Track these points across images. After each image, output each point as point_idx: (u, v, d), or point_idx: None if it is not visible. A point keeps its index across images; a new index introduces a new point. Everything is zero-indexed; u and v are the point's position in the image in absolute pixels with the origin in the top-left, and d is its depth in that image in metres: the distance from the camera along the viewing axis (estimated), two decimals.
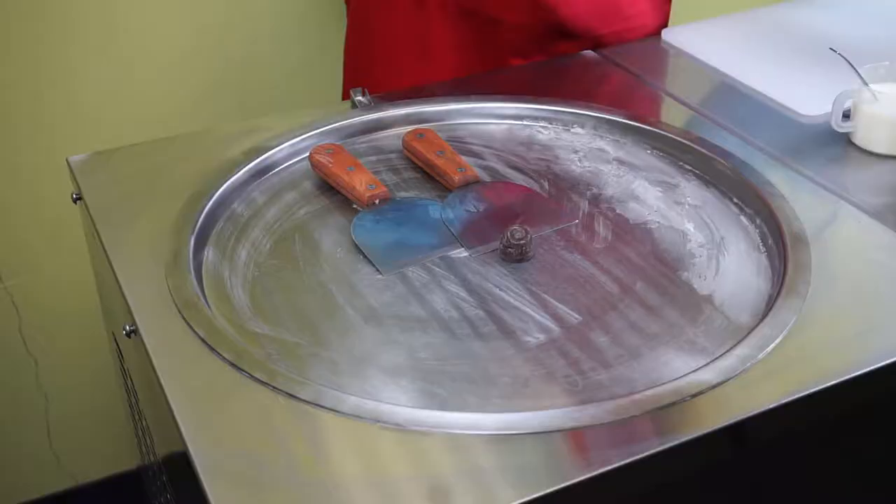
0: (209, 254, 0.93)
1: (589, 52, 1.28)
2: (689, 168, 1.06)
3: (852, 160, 1.07)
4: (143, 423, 1.03)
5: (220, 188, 0.99)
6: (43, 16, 1.43)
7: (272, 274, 0.91)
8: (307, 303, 0.87)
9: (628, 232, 0.96)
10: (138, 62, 1.48)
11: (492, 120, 1.14)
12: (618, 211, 0.99)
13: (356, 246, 0.94)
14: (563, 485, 0.67)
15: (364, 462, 0.70)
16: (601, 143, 1.11)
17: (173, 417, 0.73)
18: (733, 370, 0.76)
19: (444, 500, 0.66)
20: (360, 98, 1.14)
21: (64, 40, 1.45)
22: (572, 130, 1.12)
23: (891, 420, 0.86)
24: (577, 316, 0.85)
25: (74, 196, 1.04)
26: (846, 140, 1.10)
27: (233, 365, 0.77)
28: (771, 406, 0.74)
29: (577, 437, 0.71)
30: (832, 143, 1.10)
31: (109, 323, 1.12)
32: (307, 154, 1.06)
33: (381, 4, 1.24)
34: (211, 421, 0.74)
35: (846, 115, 1.08)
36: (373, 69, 1.36)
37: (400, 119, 1.13)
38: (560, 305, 0.86)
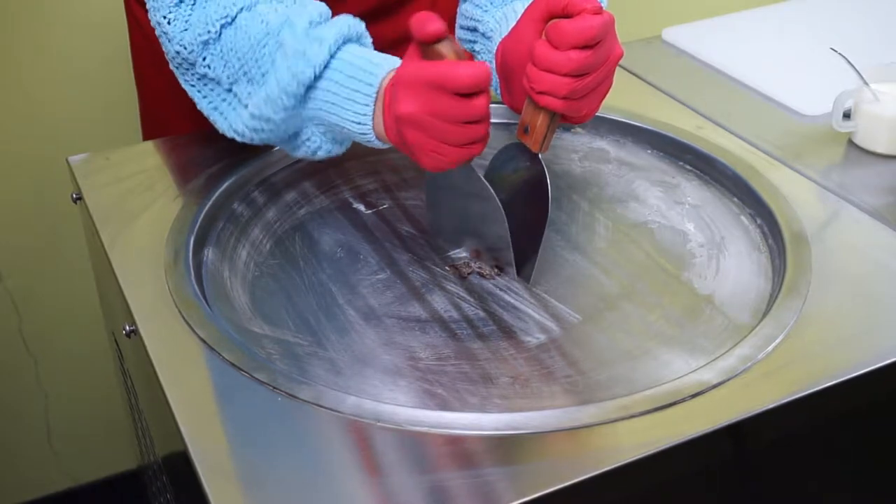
0: (209, 254, 0.93)
1: None
2: (689, 168, 1.06)
3: (853, 160, 1.07)
4: (143, 423, 1.03)
5: (220, 188, 0.99)
6: (44, 13, 1.43)
7: (272, 274, 0.91)
8: (307, 303, 0.87)
9: (628, 232, 0.96)
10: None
11: (491, 120, 1.13)
12: (618, 211, 0.99)
13: (356, 246, 0.94)
14: (563, 485, 0.67)
15: (364, 462, 0.70)
16: (601, 143, 1.11)
17: (173, 417, 0.73)
18: (733, 370, 0.76)
19: (444, 501, 0.66)
20: None
21: (67, 39, 1.45)
22: (572, 130, 1.12)
23: (891, 420, 0.86)
24: (577, 316, 0.85)
25: (74, 196, 1.04)
26: (847, 140, 1.10)
27: (233, 365, 0.77)
28: (771, 406, 0.74)
29: (577, 437, 0.71)
30: (832, 143, 1.10)
31: (109, 323, 1.12)
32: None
33: None
34: (211, 421, 0.74)
35: (847, 115, 1.08)
36: None
37: None
38: (560, 305, 0.86)
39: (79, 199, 1.03)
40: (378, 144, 0.86)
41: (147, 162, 1.07)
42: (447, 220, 0.94)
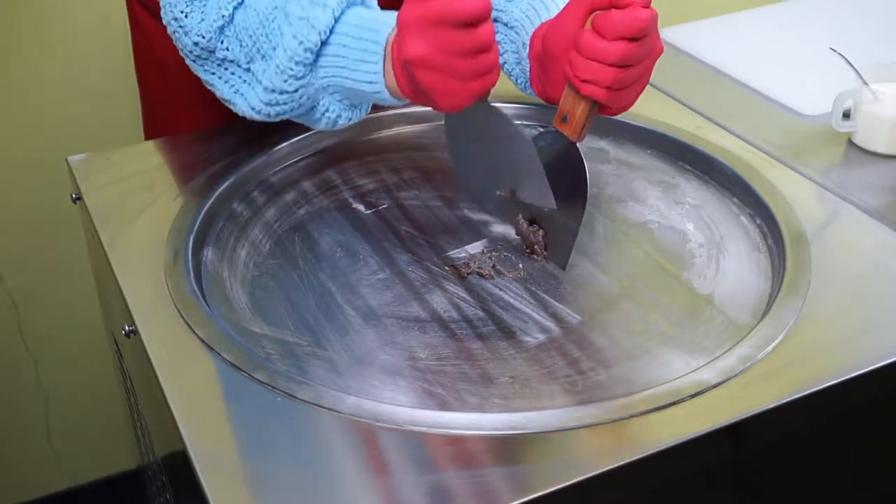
0: (209, 254, 0.93)
1: None
2: (689, 168, 1.06)
3: (852, 160, 1.07)
4: (143, 423, 1.03)
5: (219, 188, 0.99)
6: (45, 14, 1.43)
7: (272, 274, 0.91)
8: (307, 303, 0.87)
9: (628, 232, 0.96)
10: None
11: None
12: (618, 211, 0.99)
13: (356, 246, 0.94)
14: (563, 485, 0.67)
15: (364, 462, 0.70)
16: (601, 143, 1.11)
17: (173, 417, 0.73)
18: (733, 370, 0.76)
19: (443, 501, 0.66)
20: None
21: (66, 40, 1.45)
22: None
23: (891, 420, 0.86)
24: (577, 316, 0.85)
25: (74, 196, 1.04)
26: (846, 140, 1.10)
27: (233, 365, 0.77)
28: (771, 406, 0.74)
29: (577, 437, 0.71)
30: (832, 142, 1.10)
31: (109, 323, 1.12)
32: (307, 154, 1.07)
33: None
34: (211, 421, 0.73)
35: (846, 115, 1.08)
36: None
37: (400, 118, 1.13)
38: (560, 305, 0.86)
39: (78, 199, 1.03)
40: (392, 101, 0.87)
41: (146, 162, 1.07)
42: (475, 171, 0.94)
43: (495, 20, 1.02)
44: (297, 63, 0.86)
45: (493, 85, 0.82)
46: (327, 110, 0.91)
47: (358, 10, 0.86)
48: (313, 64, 0.87)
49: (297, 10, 0.86)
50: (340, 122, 0.92)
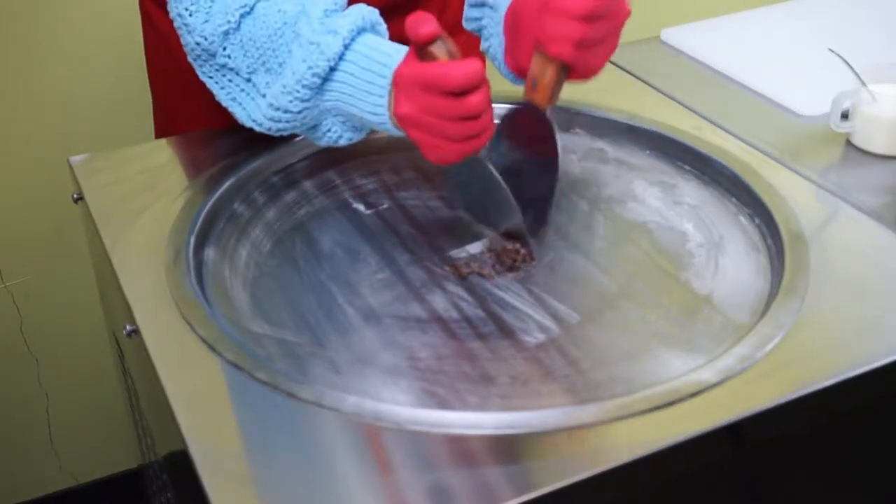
0: (209, 254, 0.93)
1: None
2: (688, 168, 1.06)
3: (851, 160, 1.08)
4: (144, 422, 1.03)
5: (220, 188, 0.99)
6: (43, 15, 1.43)
7: (272, 274, 0.91)
8: (307, 303, 0.87)
9: (627, 232, 0.96)
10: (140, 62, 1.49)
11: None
12: (617, 211, 1.00)
13: (356, 246, 0.94)
14: (562, 484, 0.67)
15: (364, 462, 0.70)
16: (600, 144, 1.11)
17: (173, 417, 0.73)
18: (732, 370, 0.77)
19: (444, 500, 0.67)
20: None
21: (66, 40, 1.45)
22: (571, 131, 1.12)
23: (890, 420, 0.86)
24: (576, 316, 0.85)
25: (75, 196, 1.04)
26: (845, 140, 1.10)
27: (233, 365, 0.77)
28: (769, 406, 0.74)
29: (576, 436, 0.71)
30: (831, 143, 1.10)
31: (110, 323, 1.12)
32: (307, 154, 1.07)
33: None
34: (211, 421, 0.74)
35: (845, 116, 1.08)
36: None
37: None
38: (560, 305, 0.86)
39: (79, 199, 1.03)
40: (396, 132, 0.87)
41: (147, 162, 1.07)
42: (469, 202, 0.97)
43: (482, 4, 1.03)
44: (303, 86, 0.87)
45: (482, 146, 0.83)
46: (329, 130, 0.92)
47: (368, 39, 0.86)
48: (319, 88, 0.87)
49: (309, 34, 0.86)
50: (342, 141, 0.93)
